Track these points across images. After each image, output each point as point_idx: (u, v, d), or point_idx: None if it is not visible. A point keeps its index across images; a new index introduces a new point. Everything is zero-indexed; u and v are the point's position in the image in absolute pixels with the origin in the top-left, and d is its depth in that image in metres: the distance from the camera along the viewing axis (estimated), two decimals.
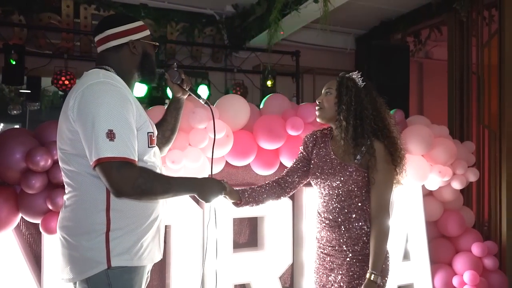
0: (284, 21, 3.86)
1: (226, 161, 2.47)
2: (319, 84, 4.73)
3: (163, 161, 2.16)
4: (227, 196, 1.72)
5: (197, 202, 2.49)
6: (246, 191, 1.80)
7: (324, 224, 1.80)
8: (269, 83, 4.97)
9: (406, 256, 2.94)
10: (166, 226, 2.41)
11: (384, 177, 1.70)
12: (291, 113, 2.47)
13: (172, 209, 2.34)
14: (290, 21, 3.97)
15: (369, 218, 1.74)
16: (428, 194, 3.10)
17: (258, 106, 2.71)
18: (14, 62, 3.79)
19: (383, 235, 1.68)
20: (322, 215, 1.82)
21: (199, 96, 1.74)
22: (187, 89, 1.72)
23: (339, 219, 1.75)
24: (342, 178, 1.73)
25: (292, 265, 2.72)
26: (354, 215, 1.74)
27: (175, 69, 1.67)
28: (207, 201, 1.53)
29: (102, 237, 1.34)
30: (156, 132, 1.55)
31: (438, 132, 2.98)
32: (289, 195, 1.93)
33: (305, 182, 1.93)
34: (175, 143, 2.16)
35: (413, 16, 5.22)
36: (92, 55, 4.68)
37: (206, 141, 2.21)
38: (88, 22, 4.78)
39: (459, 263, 3.09)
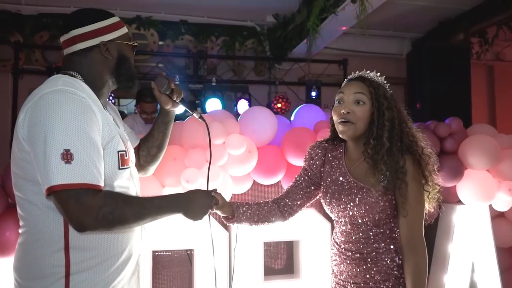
0: (325, 28, 3.59)
1: (254, 180, 2.25)
2: None
3: (177, 181, 1.99)
4: (219, 211, 1.47)
5: (224, 224, 2.30)
6: (242, 207, 1.53)
7: (345, 257, 1.49)
8: (313, 94, 4.69)
9: None
10: (190, 250, 2.30)
11: (416, 204, 1.39)
12: (323, 125, 2.19)
13: (194, 232, 2.17)
14: (329, 27, 3.69)
15: (400, 248, 1.43)
16: (498, 216, 2.67)
17: None
18: None
19: (420, 271, 1.37)
20: (342, 246, 1.51)
21: (192, 109, 1.52)
22: (177, 101, 1.48)
23: (365, 251, 1.44)
24: (367, 207, 1.41)
25: None
26: (382, 245, 1.43)
27: (165, 77, 1.47)
28: (195, 219, 1.30)
29: (61, 282, 1.12)
30: (130, 150, 1.33)
31: (506, 142, 2.56)
32: (287, 220, 1.62)
33: (309, 204, 1.63)
34: (191, 160, 1.98)
35: (476, 13, 4.66)
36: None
37: (225, 157, 2.00)
38: None
39: None
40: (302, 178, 1.59)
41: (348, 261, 1.48)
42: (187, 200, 1.27)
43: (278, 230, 2.33)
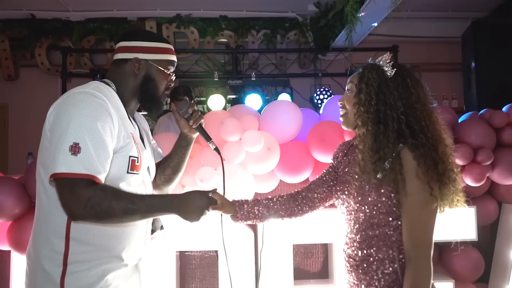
0: (366, 12, 3.30)
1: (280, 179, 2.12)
2: (427, 84, 4.02)
3: (194, 180, 1.91)
4: (219, 211, 1.41)
5: (250, 224, 2.20)
6: (247, 204, 1.45)
7: (345, 262, 1.35)
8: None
9: None
10: (215, 251, 2.24)
11: (416, 203, 1.18)
12: None
13: (218, 233, 2.08)
14: (370, 10, 3.39)
15: (399, 261, 1.23)
16: None
17: None
18: None
19: (419, 285, 1.16)
20: (343, 248, 1.37)
21: (208, 139, 1.48)
22: (194, 127, 1.48)
23: (357, 257, 1.28)
24: (359, 198, 1.26)
25: None
26: (375, 254, 1.24)
27: (187, 100, 1.46)
28: (191, 221, 1.28)
29: (58, 270, 1.19)
30: (144, 159, 1.36)
31: None
32: (304, 215, 1.49)
33: (331, 202, 1.48)
34: (207, 159, 1.90)
35: None
36: (176, 75, 4.75)
37: (242, 155, 1.89)
38: (171, 40, 4.89)
39: None
40: (326, 172, 1.50)
41: (348, 268, 1.33)
42: (182, 201, 1.28)
43: (309, 232, 2.19)
